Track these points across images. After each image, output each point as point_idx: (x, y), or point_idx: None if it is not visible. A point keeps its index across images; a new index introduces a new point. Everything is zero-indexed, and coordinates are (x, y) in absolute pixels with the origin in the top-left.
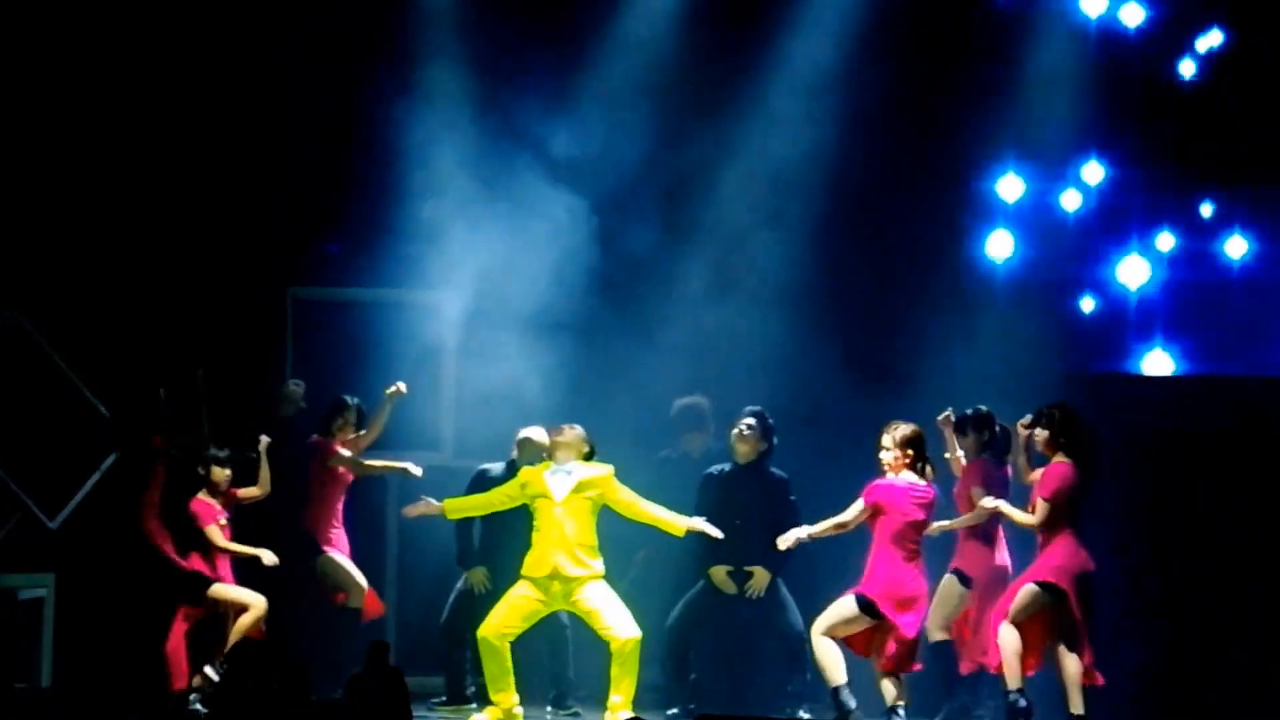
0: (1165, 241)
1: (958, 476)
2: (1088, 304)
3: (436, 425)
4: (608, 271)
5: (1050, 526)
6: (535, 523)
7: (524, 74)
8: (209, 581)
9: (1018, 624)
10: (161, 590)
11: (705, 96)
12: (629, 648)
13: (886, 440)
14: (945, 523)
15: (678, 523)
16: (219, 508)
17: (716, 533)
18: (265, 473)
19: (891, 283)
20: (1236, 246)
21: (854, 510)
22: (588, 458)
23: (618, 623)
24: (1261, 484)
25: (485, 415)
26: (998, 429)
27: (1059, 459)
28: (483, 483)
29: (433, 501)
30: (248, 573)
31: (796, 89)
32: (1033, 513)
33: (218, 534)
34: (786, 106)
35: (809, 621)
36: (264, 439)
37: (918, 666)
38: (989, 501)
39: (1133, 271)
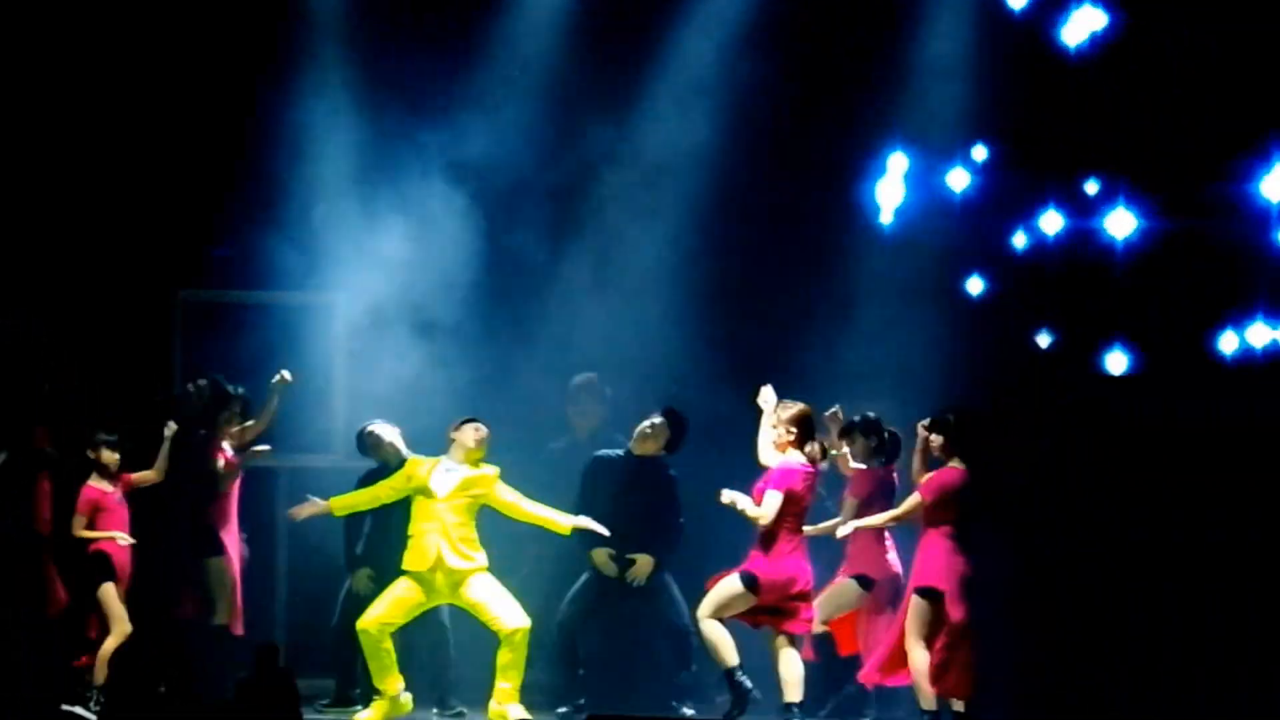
0: (1051, 221)
1: (844, 474)
2: (976, 285)
3: (328, 426)
4: (497, 272)
5: (930, 526)
6: (414, 515)
7: (411, 78)
8: (109, 570)
9: (923, 640)
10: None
11: (591, 95)
12: (518, 636)
13: (771, 416)
14: (810, 528)
15: (562, 522)
16: (109, 490)
17: (603, 530)
18: (163, 460)
19: (779, 277)
20: (1121, 224)
21: (772, 505)
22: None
23: (504, 612)
24: (1138, 465)
25: (377, 416)
26: (886, 434)
27: (953, 464)
28: (366, 481)
29: (319, 501)
30: (141, 565)
31: (681, 84)
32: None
33: (80, 524)
34: (671, 102)
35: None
36: (171, 425)
37: (809, 654)
38: (844, 529)
39: (1020, 247)
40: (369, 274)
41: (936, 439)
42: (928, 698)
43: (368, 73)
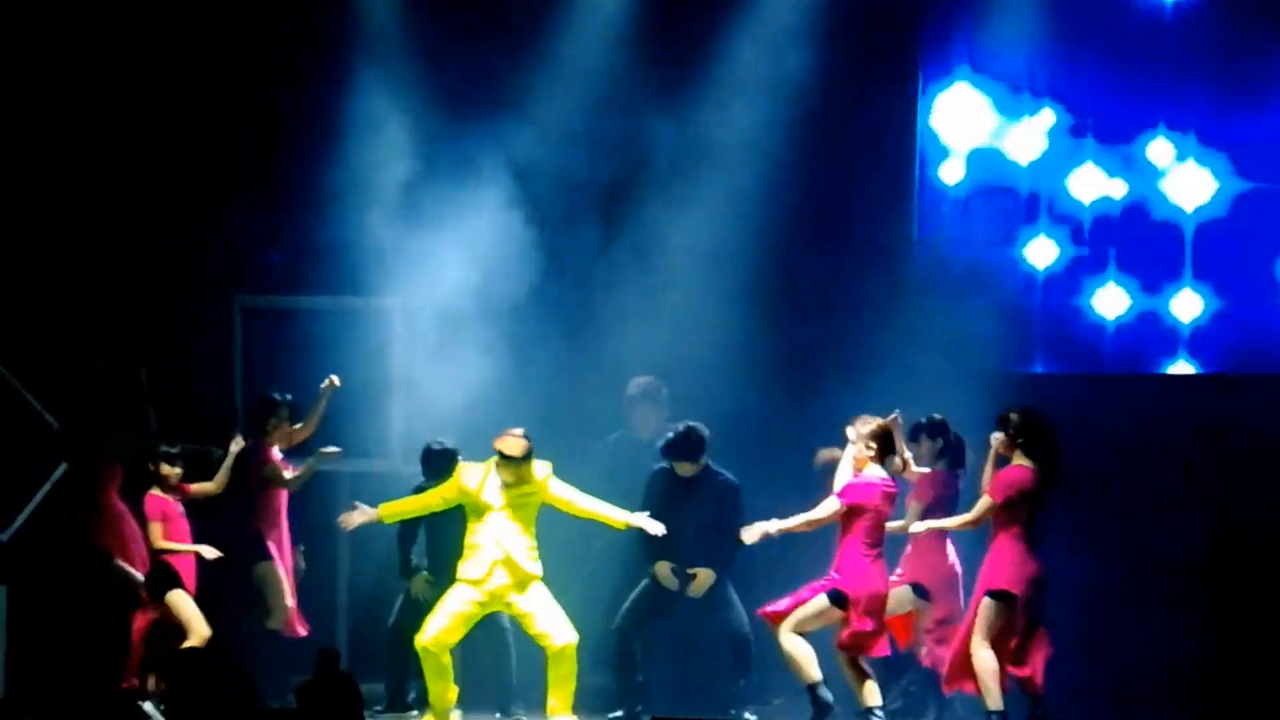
0: (1118, 188)
1: (907, 480)
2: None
3: (385, 431)
4: (554, 275)
5: (1001, 527)
6: (469, 526)
7: (465, 79)
8: (175, 578)
9: (990, 641)
10: (120, 591)
11: (645, 92)
12: (566, 652)
13: (852, 434)
14: (894, 524)
15: (618, 517)
16: (172, 501)
17: (657, 529)
18: (225, 472)
19: (835, 274)
20: (1189, 187)
21: (828, 508)
22: (525, 457)
23: (553, 627)
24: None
25: (433, 420)
26: (953, 437)
27: (1018, 461)
28: (419, 491)
29: (368, 509)
30: (201, 575)
31: (731, 76)
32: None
33: (157, 533)
34: (723, 96)
35: (755, 622)
36: (238, 439)
37: (885, 651)
38: (918, 526)
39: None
40: (426, 277)
41: (998, 436)
42: (994, 698)
43: (422, 76)
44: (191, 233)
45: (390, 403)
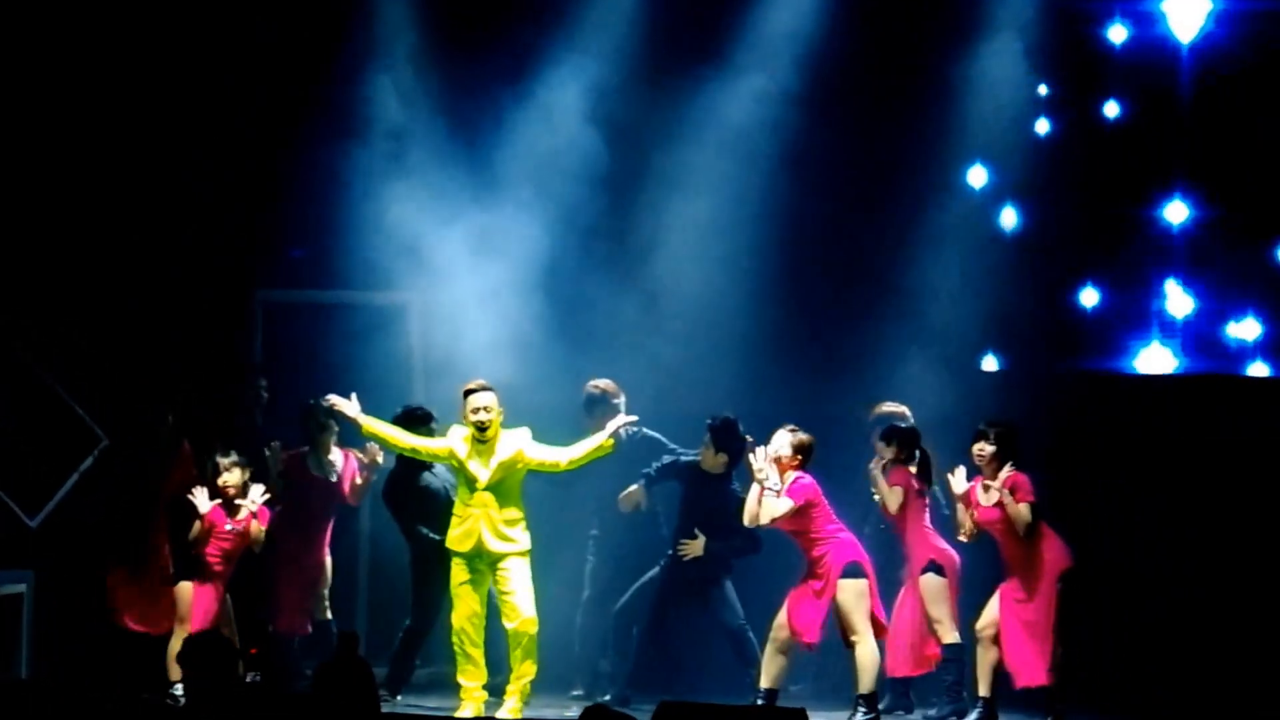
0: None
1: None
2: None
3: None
4: (574, 275)
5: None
6: (459, 495)
7: (484, 78)
8: (203, 571)
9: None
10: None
11: (675, 86)
12: (521, 631)
13: (779, 448)
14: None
15: (598, 442)
16: (228, 522)
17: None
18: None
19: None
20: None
21: (781, 505)
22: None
23: (519, 604)
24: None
25: (452, 416)
26: (918, 451)
27: (1010, 469)
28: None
29: (353, 404)
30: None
31: (764, 57)
32: (1018, 525)
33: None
34: (753, 78)
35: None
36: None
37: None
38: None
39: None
40: (445, 274)
41: (988, 448)
42: None
43: (441, 73)
44: (212, 227)
45: (411, 398)
